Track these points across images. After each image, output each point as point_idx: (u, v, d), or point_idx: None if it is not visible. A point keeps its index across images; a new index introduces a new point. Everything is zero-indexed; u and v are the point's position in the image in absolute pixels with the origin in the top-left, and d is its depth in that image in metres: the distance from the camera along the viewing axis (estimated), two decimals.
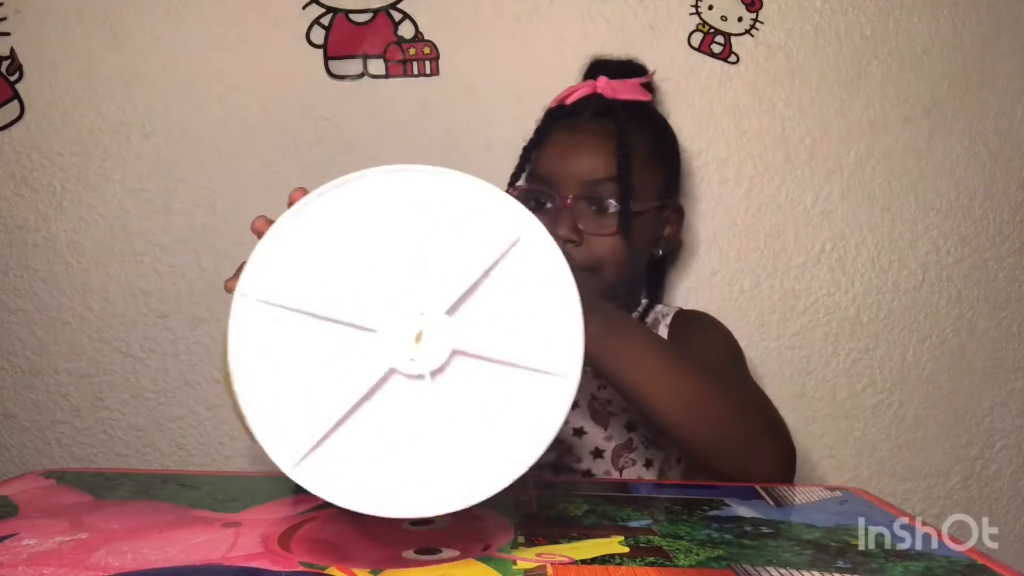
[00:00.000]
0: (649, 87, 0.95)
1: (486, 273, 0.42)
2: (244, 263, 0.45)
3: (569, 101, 0.88)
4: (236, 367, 0.40)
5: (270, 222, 0.45)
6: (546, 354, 0.43)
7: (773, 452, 0.69)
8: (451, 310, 0.42)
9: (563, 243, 0.70)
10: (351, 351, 0.41)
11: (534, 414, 0.43)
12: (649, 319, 0.93)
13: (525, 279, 0.43)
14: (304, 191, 0.48)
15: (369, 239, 0.42)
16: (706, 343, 0.87)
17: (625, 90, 0.89)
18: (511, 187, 0.88)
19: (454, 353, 0.42)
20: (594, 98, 0.88)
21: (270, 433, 0.40)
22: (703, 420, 0.66)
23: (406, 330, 0.41)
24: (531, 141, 0.89)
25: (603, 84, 0.88)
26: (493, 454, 0.43)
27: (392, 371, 0.41)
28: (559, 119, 0.88)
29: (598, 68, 0.95)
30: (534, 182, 0.88)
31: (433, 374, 0.41)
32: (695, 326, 0.91)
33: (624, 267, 0.85)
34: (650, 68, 0.97)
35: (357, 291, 0.41)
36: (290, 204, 0.50)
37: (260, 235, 0.46)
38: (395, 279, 0.41)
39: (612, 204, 0.83)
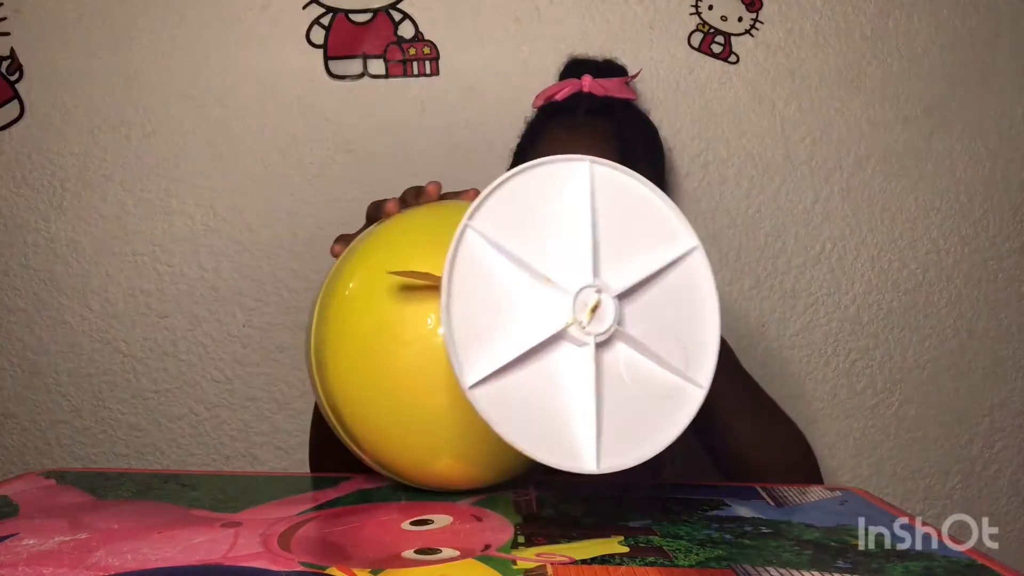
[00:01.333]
0: (631, 86, 0.95)
1: (656, 274, 0.49)
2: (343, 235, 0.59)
3: (556, 99, 0.88)
4: (447, 285, 0.45)
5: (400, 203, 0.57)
6: (689, 362, 0.49)
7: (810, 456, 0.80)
8: (622, 296, 0.47)
9: None
10: (538, 305, 0.47)
11: (663, 414, 0.48)
12: None
13: (683, 289, 0.50)
14: (439, 185, 0.60)
15: (567, 216, 0.48)
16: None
17: (615, 88, 0.88)
18: None
19: (617, 334, 0.47)
20: (585, 96, 0.87)
21: (459, 352, 0.45)
22: (778, 451, 0.76)
23: (587, 297, 0.46)
24: (525, 137, 0.89)
25: (590, 83, 0.87)
26: (619, 438, 0.47)
27: (565, 332, 0.46)
28: (553, 115, 0.88)
29: (578, 67, 0.93)
30: None
31: (599, 346, 0.47)
32: None
33: None
34: (650, 68, 0.98)
35: (555, 254, 0.47)
36: (423, 196, 0.61)
37: (388, 216, 0.57)
38: (585, 255, 0.47)
39: None
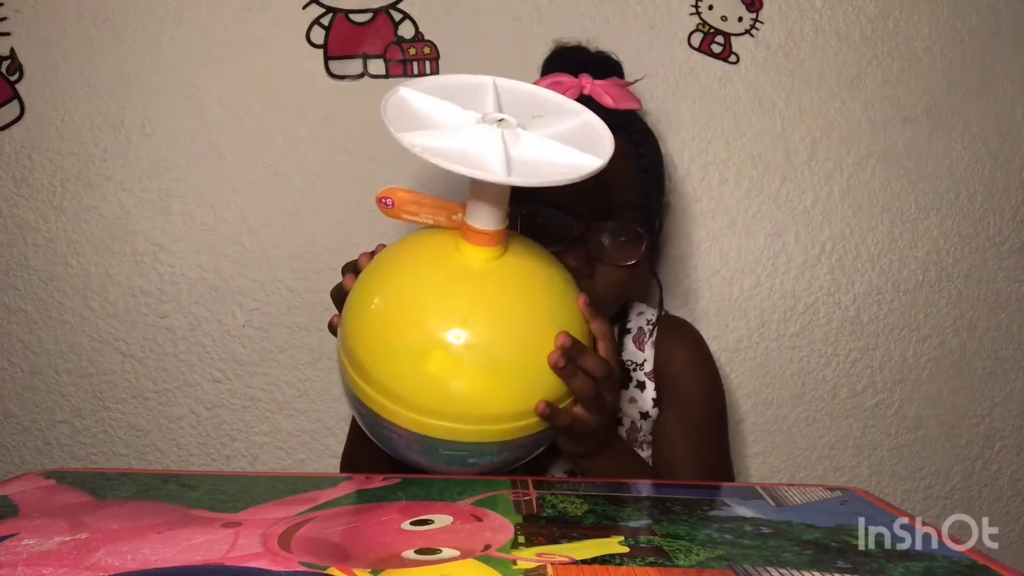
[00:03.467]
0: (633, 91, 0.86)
1: (549, 116, 0.67)
2: (351, 264, 0.71)
3: None
4: (385, 111, 0.64)
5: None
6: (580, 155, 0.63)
7: None
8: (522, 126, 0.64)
9: (574, 275, 0.70)
10: (459, 114, 0.65)
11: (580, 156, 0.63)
12: (631, 324, 0.88)
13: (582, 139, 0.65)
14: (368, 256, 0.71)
15: (478, 94, 0.69)
16: (693, 399, 0.85)
17: (623, 98, 0.80)
18: (512, 206, 0.68)
19: (520, 128, 0.64)
20: (592, 107, 0.74)
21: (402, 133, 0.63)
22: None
23: (493, 110, 0.66)
24: None
25: (591, 86, 0.79)
26: (528, 169, 0.61)
27: (482, 119, 0.64)
28: None
29: (567, 59, 0.86)
30: (538, 204, 0.76)
31: (506, 129, 0.63)
32: (679, 364, 0.86)
33: (630, 290, 0.84)
34: (650, 68, 0.97)
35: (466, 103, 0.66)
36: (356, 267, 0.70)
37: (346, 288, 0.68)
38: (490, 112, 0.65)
39: (633, 231, 0.77)
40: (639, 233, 0.78)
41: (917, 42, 1.04)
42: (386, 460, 0.69)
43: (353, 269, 0.70)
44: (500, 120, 0.63)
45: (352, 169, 1.04)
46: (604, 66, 0.87)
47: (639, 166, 0.79)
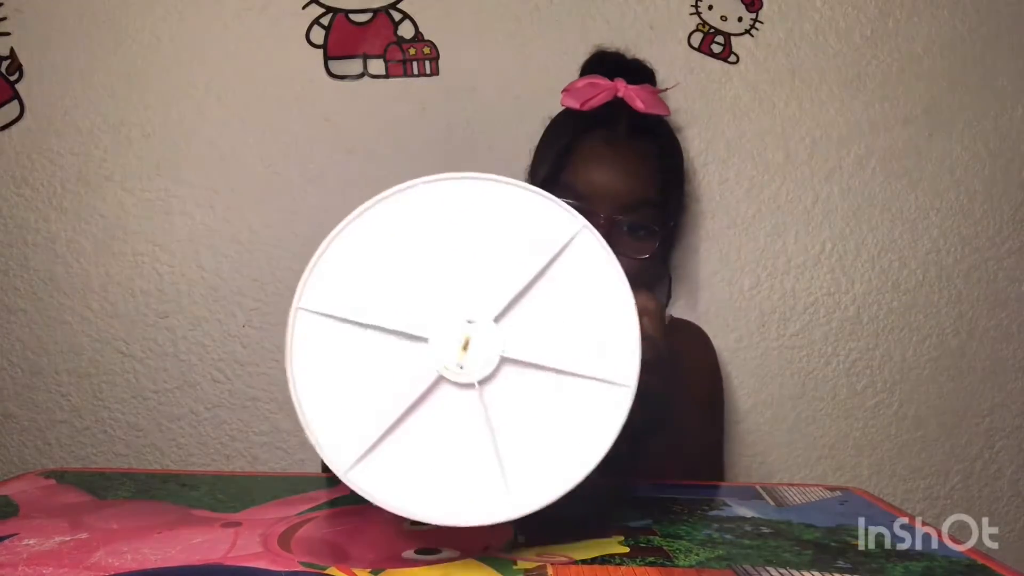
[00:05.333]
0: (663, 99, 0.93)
1: (535, 279, 0.42)
2: None
3: (591, 106, 0.85)
4: (293, 375, 0.40)
5: None
6: (601, 361, 0.42)
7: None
8: (500, 317, 0.41)
9: None
10: (402, 359, 0.41)
11: (589, 425, 0.42)
12: None
13: (577, 284, 0.43)
14: None
15: (418, 248, 0.42)
16: (698, 384, 0.88)
17: (653, 103, 0.86)
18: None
19: (503, 361, 0.41)
20: (623, 108, 0.85)
21: (326, 438, 0.41)
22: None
23: (454, 338, 0.41)
24: (553, 140, 0.85)
25: (624, 90, 0.85)
26: (544, 466, 0.42)
27: (441, 379, 0.41)
28: (591, 127, 0.85)
29: (605, 63, 0.91)
30: (565, 192, 0.80)
31: (482, 382, 0.41)
32: (684, 357, 0.86)
33: (642, 283, 0.85)
34: (650, 68, 0.97)
35: (407, 300, 0.41)
36: None
37: None
38: (444, 287, 0.41)
39: (645, 230, 0.81)
40: (655, 230, 0.82)
41: (917, 42, 1.04)
42: None
43: None
44: (464, 345, 0.42)
45: (352, 169, 1.04)
46: (639, 73, 0.92)
47: (661, 167, 0.85)
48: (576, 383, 0.42)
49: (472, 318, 0.41)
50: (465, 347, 0.41)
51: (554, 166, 0.84)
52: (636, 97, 0.85)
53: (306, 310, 0.42)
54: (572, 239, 0.43)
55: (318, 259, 0.42)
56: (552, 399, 0.42)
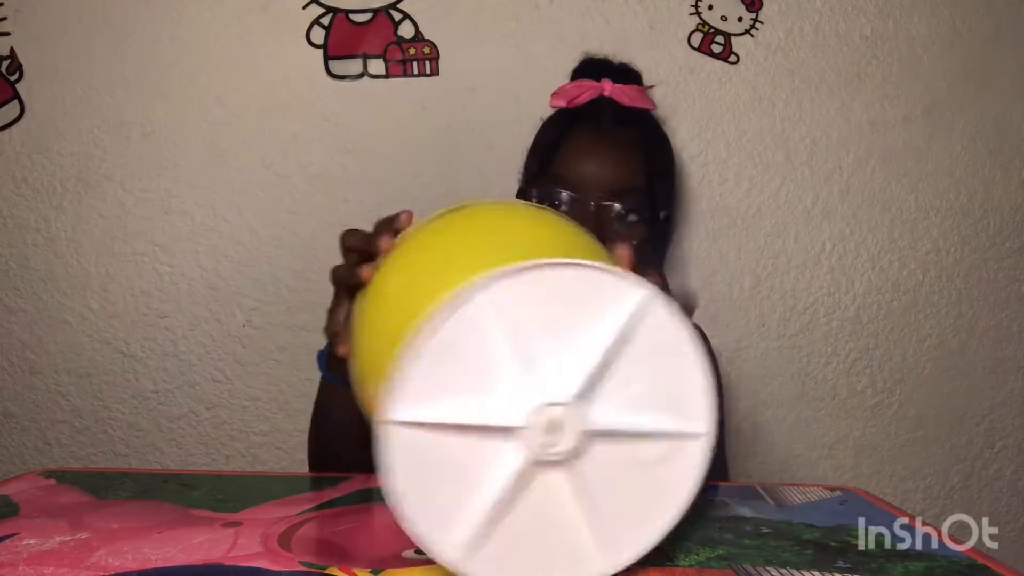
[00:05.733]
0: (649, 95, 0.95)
1: (610, 353, 0.43)
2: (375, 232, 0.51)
3: (579, 102, 0.88)
4: (394, 485, 0.42)
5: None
6: (679, 417, 0.44)
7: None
8: (580, 395, 0.42)
9: None
10: (492, 450, 0.43)
11: (672, 476, 0.44)
12: None
13: (648, 347, 0.44)
14: (411, 214, 0.52)
15: (489, 345, 0.43)
16: None
17: (638, 97, 0.89)
18: (534, 186, 0.87)
19: (588, 435, 0.43)
20: (609, 103, 0.88)
21: (431, 537, 0.42)
22: None
23: (538, 422, 0.42)
24: (550, 141, 0.88)
25: (611, 88, 0.88)
26: (632, 524, 0.44)
27: (532, 463, 0.42)
28: (579, 121, 0.87)
29: (593, 68, 0.94)
30: (555, 183, 0.85)
31: (570, 459, 0.43)
32: None
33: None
34: (650, 68, 0.98)
35: (489, 393, 0.43)
36: (395, 227, 0.52)
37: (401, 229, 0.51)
38: (521, 375, 0.42)
39: (635, 215, 0.83)
40: (644, 217, 0.84)
41: (917, 42, 1.04)
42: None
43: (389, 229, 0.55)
44: (551, 423, 0.42)
45: (352, 169, 1.04)
46: (625, 74, 0.94)
47: (647, 155, 0.86)
48: (658, 442, 0.44)
49: (553, 400, 0.42)
50: (551, 429, 0.42)
51: (545, 160, 0.87)
52: (623, 94, 0.88)
53: (394, 424, 0.42)
54: (637, 305, 0.44)
55: (402, 372, 0.42)
56: (636, 460, 0.44)
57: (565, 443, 0.42)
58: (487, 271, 0.43)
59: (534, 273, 0.43)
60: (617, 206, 0.83)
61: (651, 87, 0.95)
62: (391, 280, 0.50)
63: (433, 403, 0.42)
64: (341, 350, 0.52)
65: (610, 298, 0.44)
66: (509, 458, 0.43)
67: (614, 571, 0.44)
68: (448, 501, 0.43)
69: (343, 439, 0.71)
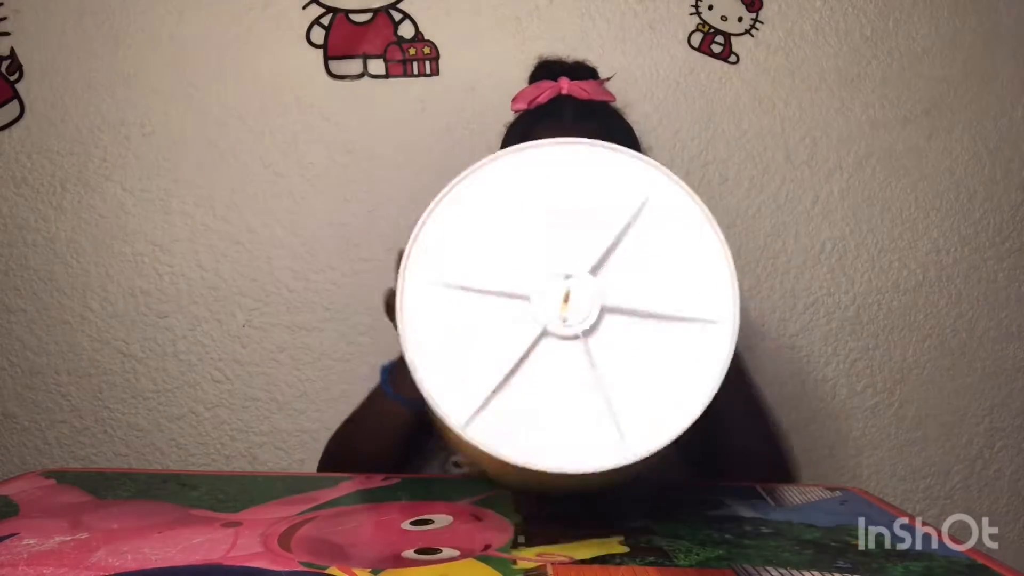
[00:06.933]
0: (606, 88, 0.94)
1: (625, 230, 0.44)
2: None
3: (539, 102, 0.87)
4: (408, 341, 0.43)
5: None
6: (697, 302, 0.44)
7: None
8: (595, 269, 0.43)
9: None
10: (507, 319, 0.44)
11: (693, 368, 0.44)
12: None
13: (666, 231, 0.45)
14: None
15: (511, 214, 0.44)
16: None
17: (596, 91, 0.89)
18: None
19: (604, 311, 0.43)
20: (568, 99, 0.87)
21: (442, 398, 0.43)
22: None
23: (554, 293, 0.43)
24: (514, 142, 0.88)
25: (568, 85, 0.87)
26: (653, 411, 0.43)
27: (546, 333, 0.43)
28: (541, 120, 0.87)
29: (549, 69, 0.93)
30: None
31: (586, 333, 0.43)
32: None
33: None
34: (650, 68, 0.97)
35: (505, 263, 0.44)
36: None
37: None
38: (540, 247, 0.44)
39: None
40: None
41: (917, 42, 1.04)
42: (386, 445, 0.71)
43: None
44: (565, 298, 0.43)
45: (352, 169, 1.04)
46: (580, 71, 0.93)
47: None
48: (676, 327, 0.44)
49: (570, 273, 0.43)
50: (566, 301, 0.43)
51: None
52: (580, 89, 0.87)
53: (414, 280, 0.44)
54: (653, 192, 0.45)
55: (419, 232, 0.44)
56: (655, 345, 0.44)
57: (579, 315, 0.43)
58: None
59: (554, 149, 0.44)
60: None
61: (608, 79, 0.93)
62: None
63: (450, 266, 0.43)
64: None
65: (627, 178, 0.44)
66: (524, 327, 0.43)
67: (626, 462, 0.43)
68: (461, 364, 0.43)
69: (378, 457, 0.73)
